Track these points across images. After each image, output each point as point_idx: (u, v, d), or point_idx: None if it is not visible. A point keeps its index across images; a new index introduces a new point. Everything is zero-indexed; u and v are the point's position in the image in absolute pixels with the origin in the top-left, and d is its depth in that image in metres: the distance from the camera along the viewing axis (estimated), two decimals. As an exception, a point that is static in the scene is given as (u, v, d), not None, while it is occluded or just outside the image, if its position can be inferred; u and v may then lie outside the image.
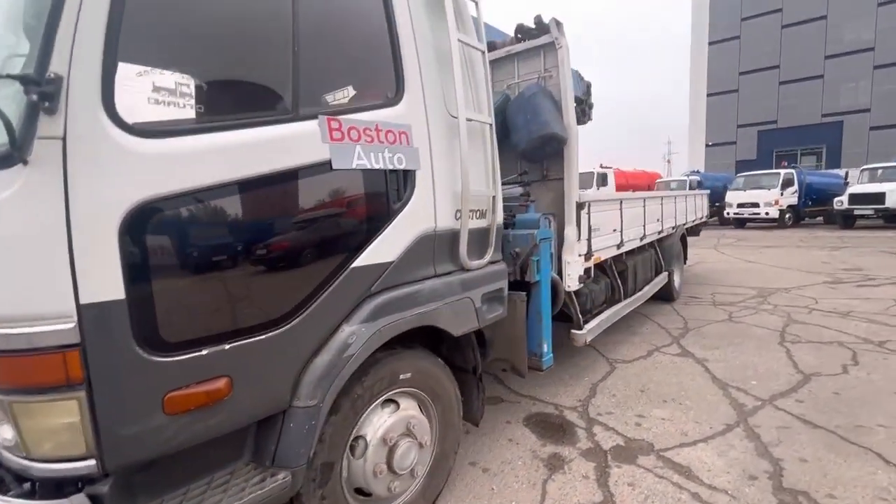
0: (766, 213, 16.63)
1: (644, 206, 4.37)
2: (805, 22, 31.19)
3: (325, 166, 1.45)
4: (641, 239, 4.39)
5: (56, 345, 0.99)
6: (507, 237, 2.69)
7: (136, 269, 1.07)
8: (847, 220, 15.63)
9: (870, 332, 4.23)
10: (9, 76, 0.92)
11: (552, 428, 2.74)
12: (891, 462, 2.24)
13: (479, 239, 2.14)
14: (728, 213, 17.76)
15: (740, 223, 17.87)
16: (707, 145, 35.44)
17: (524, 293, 2.60)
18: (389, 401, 1.81)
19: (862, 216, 15.29)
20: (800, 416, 2.73)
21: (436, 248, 1.88)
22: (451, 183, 1.92)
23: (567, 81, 2.92)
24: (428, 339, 2.03)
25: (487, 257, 2.17)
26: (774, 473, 2.19)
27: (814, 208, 17.96)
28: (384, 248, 1.65)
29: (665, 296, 5.62)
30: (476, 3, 2.09)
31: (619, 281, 4.09)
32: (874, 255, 9.11)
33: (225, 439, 1.34)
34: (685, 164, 42.12)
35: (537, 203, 3.12)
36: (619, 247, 3.81)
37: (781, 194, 16.51)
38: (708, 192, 8.11)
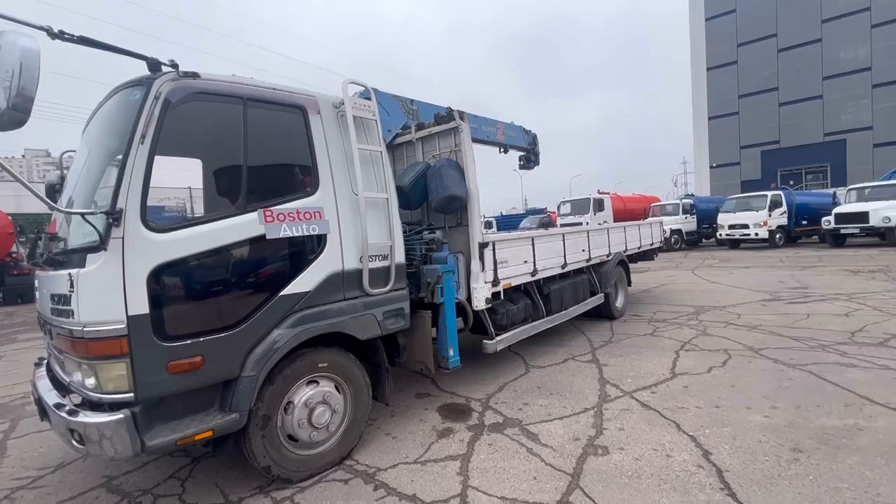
0: (756, 234, 17.14)
1: (563, 240, 5.32)
2: (800, 45, 32.01)
3: (262, 236, 2.52)
4: (563, 267, 5.32)
5: (115, 336, 2.05)
6: (423, 270, 3.71)
7: (153, 298, 2.13)
8: (836, 239, 16.00)
9: (758, 342, 5.01)
10: (101, 212, 2.02)
11: (456, 412, 3.68)
12: (682, 429, 3.09)
13: (382, 274, 3.16)
14: (720, 235, 18.32)
15: (734, 244, 18.36)
16: (711, 167, 35.94)
17: (429, 311, 3.60)
18: (312, 380, 2.81)
19: (850, 235, 15.67)
20: (644, 402, 3.60)
21: (344, 281, 2.91)
22: (356, 238, 2.96)
23: (467, 155, 3.97)
24: (353, 343, 3.02)
25: (389, 286, 3.18)
26: (594, 436, 3.08)
27: (807, 227, 18.34)
28: (303, 282, 2.69)
29: (605, 314, 6.47)
30: (377, 122, 3.19)
31: (541, 301, 5.03)
32: (833, 274, 9.69)
33: (203, 393, 2.37)
34: (693, 185, 42.45)
35: (454, 243, 4.13)
36: (533, 274, 4.76)
37: (770, 215, 17.04)
38: (661, 220, 8.93)
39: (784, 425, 3.04)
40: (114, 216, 2.04)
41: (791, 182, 29.39)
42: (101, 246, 2.04)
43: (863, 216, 14.91)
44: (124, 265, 2.06)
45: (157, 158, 2.23)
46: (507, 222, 27.21)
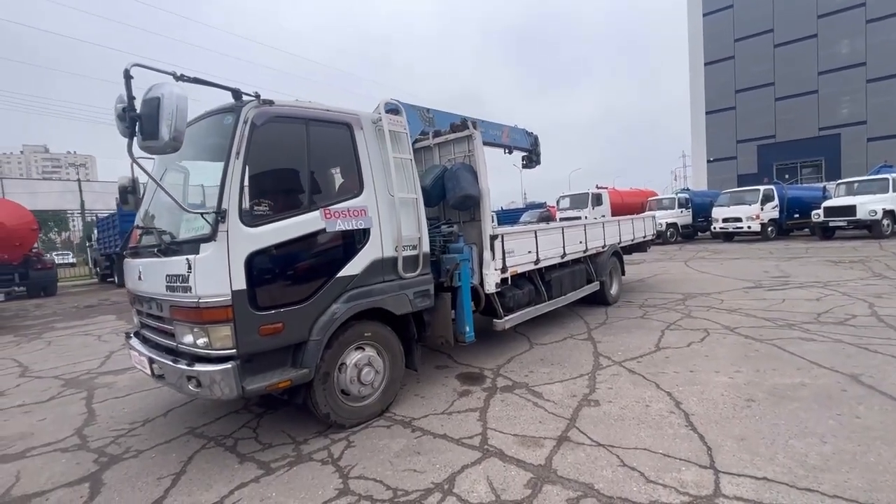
0: (749, 227, 17.78)
1: (562, 233, 5.96)
2: (797, 41, 32.42)
3: (323, 229, 3.17)
4: (562, 257, 5.97)
5: (224, 305, 2.69)
6: (443, 259, 4.36)
7: (250, 277, 2.77)
8: (825, 232, 16.64)
9: (735, 322, 5.67)
10: (212, 212, 2.66)
11: (472, 378, 4.34)
12: (661, 388, 3.75)
13: (412, 261, 3.81)
14: (715, 228, 18.97)
15: (728, 237, 18.99)
16: (708, 161, 36.45)
17: (449, 294, 4.25)
18: (359, 346, 3.46)
19: (838, 227, 16.32)
20: (630, 369, 4.26)
21: (383, 266, 3.56)
22: (392, 231, 3.61)
23: (480, 160, 4.61)
24: (390, 318, 3.66)
25: (418, 271, 3.83)
26: (588, 393, 3.74)
27: (798, 221, 18.98)
28: (353, 267, 3.34)
29: (601, 300, 7.13)
30: (407, 134, 3.82)
31: (543, 287, 5.68)
32: (816, 264, 10.34)
33: (280, 354, 3.02)
34: (691, 179, 42.95)
35: (468, 235, 4.77)
36: (536, 263, 5.41)
37: (762, 209, 17.67)
38: (653, 214, 9.56)
39: (744, 383, 3.70)
40: (220, 214, 2.68)
41: (787, 176, 30.02)
42: (211, 237, 2.68)
43: (850, 209, 15.55)
44: (229, 252, 2.71)
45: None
46: (508, 216, 27.75)
